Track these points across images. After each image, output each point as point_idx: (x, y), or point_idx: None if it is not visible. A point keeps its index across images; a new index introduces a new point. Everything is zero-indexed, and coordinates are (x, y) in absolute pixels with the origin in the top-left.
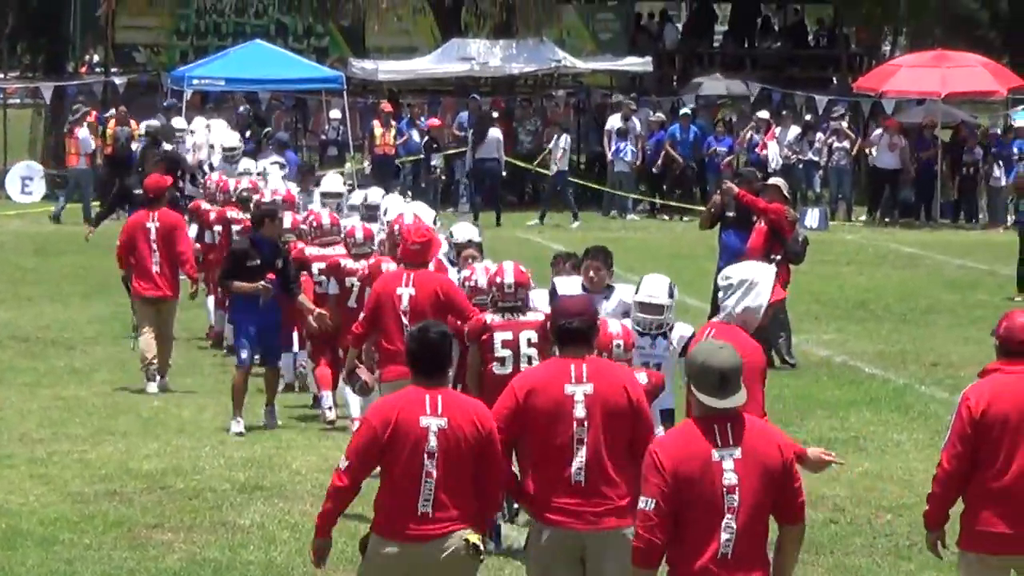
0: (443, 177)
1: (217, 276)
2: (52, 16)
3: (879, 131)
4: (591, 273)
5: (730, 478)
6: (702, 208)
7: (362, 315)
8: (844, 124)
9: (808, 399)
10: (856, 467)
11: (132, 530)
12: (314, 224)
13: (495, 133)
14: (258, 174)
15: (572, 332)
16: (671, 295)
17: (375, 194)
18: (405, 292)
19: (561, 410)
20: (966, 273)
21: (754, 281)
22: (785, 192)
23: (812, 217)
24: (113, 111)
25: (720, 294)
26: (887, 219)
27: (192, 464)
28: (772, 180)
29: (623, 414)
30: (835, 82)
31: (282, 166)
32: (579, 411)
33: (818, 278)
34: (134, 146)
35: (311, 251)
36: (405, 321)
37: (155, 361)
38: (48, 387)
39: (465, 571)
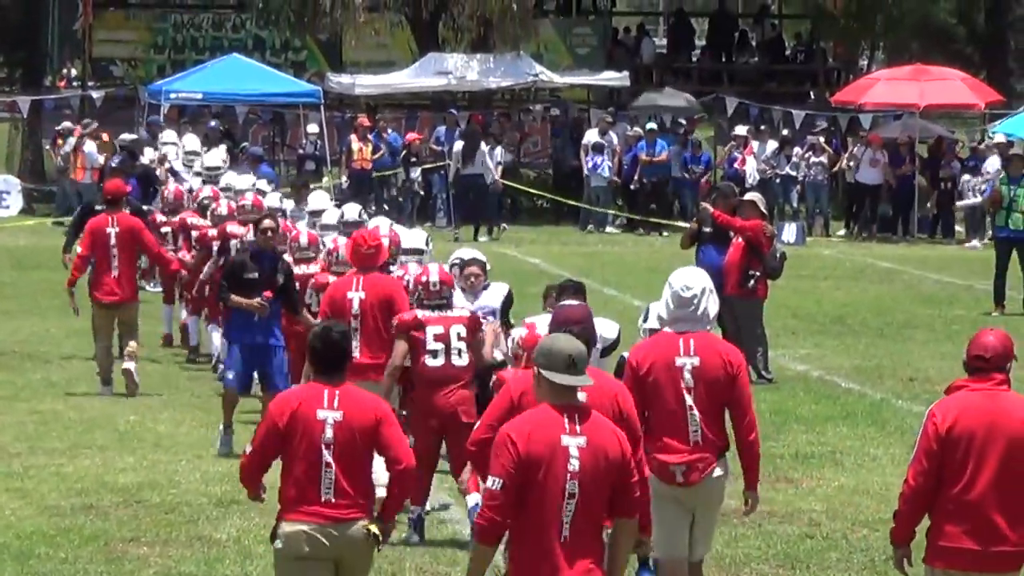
0: (421, 192)
1: (217, 291)
2: (29, 29)
3: (861, 146)
4: (471, 279)
5: (574, 464)
6: (680, 223)
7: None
8: (821, 139)
9: (785, 414)
10: (833, 482)
11: (108, 544)
12: (292, 242)
13: (484, 148)
14: (259, 191)
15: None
16: None
17: (352, 211)
18: (355, 296)
19: (556, 462)
20: (943, 288)
21: (710, 288)
22: (762, 207)
23: (789, 232)
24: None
25: (677, 308)
26: (865, 234)
27: (168, 478)
28: (749, 195)
29: (611, 420)
30: (812, 97)
31: (269, 181)
32: (572, 465)
33: (795, 293)
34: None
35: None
36: (355, 324)
37: (111, 371)
38: (25, 401)
39: (364, 554)
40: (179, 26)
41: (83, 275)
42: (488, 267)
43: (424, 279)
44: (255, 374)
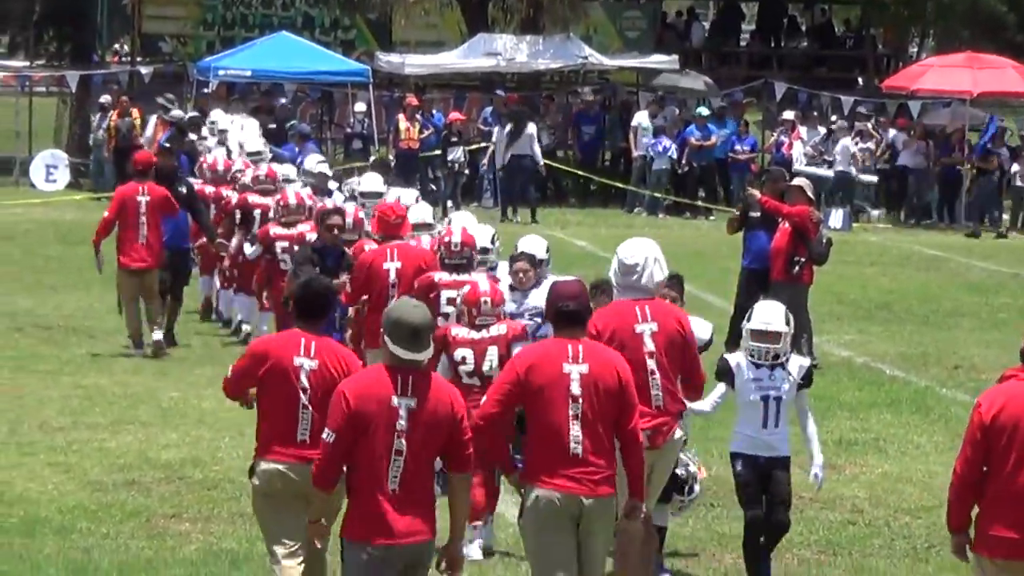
0: (466, 172)
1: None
2: (79, 5)
3: (902, 132)
4: (520, 275)
5: (402, 424)
6: (726, 208)
7: (349, 287)
8: (869, 125)
9: (829, 400)
10: (876, 469)
11: (150, 520)
12: (281, 203)
13: (531, 129)
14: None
15: (568, 314)
16: (788, 322)
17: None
18: (392, 266)
19: (558, 386)
20: (989, 276)
21: (657, 256)
22: (809, 193)
23: (836, 218)
24: (107, 98)
25: (623, 276)
26: (910, 220)
27: (211, 455)
28: (796, 180)
29: (613, 393)
30: (861, 83)
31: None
32: (575, 388)
33: (841, 279)
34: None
35: (276, 230)
36: (392, 293)
37: (141, 333)
38: (69, 375)
39: (337, 492)
40: (229, 3)
41: (106, 238)
42: (543, 258)
43: (447, 240)
44: None
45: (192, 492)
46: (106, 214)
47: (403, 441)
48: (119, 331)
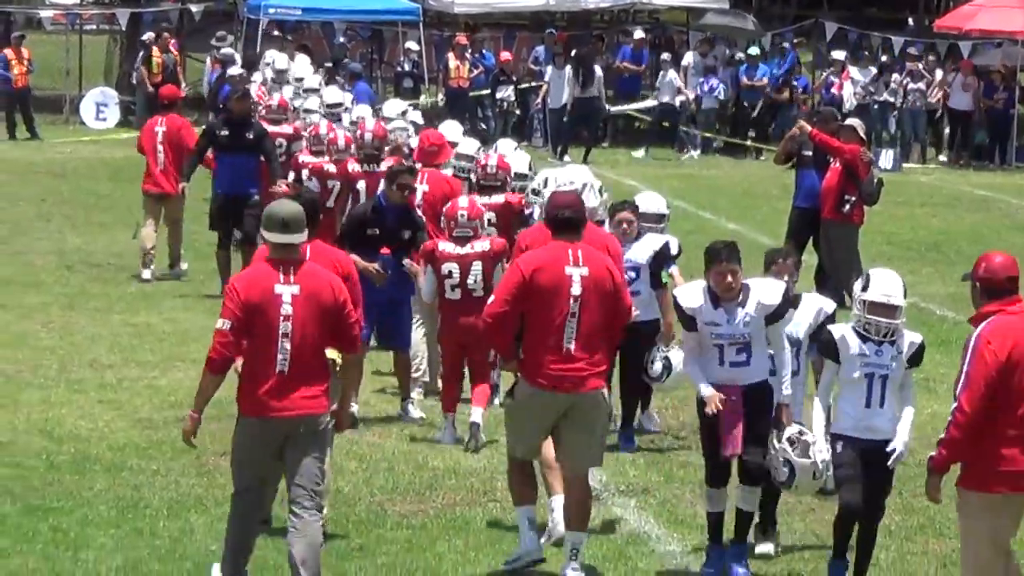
0: (516, 112)
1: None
2: None
3: (953, 73)
4: (623, 225)
5: (287, 309)
6: (775, 148)
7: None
8: (920, 65)
9: None
10: (926, 409)
11: (200, 457)
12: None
13: (599, 72)
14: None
15: (565, 221)
16: (906, 294)
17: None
18: (420, 188)
19: (561, 288)
20: None
21: (591, 182)
22: (861, 133)
23: (886, 158)
24: (150, 34)
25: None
26: (960, 161)
27: None
28: (849, 121)
29: (608, 293)
30: (911, 23)
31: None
32: (575, 289)
33: (891, 219)
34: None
35: (305, 158)
36: (419, 213)
37: (153, 252)
38: (119, 313)
39: (322, 439)
40: None
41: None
42: (664, 213)
43: (484, 163)
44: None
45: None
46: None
47: (288, 324)
48: (168, 270)
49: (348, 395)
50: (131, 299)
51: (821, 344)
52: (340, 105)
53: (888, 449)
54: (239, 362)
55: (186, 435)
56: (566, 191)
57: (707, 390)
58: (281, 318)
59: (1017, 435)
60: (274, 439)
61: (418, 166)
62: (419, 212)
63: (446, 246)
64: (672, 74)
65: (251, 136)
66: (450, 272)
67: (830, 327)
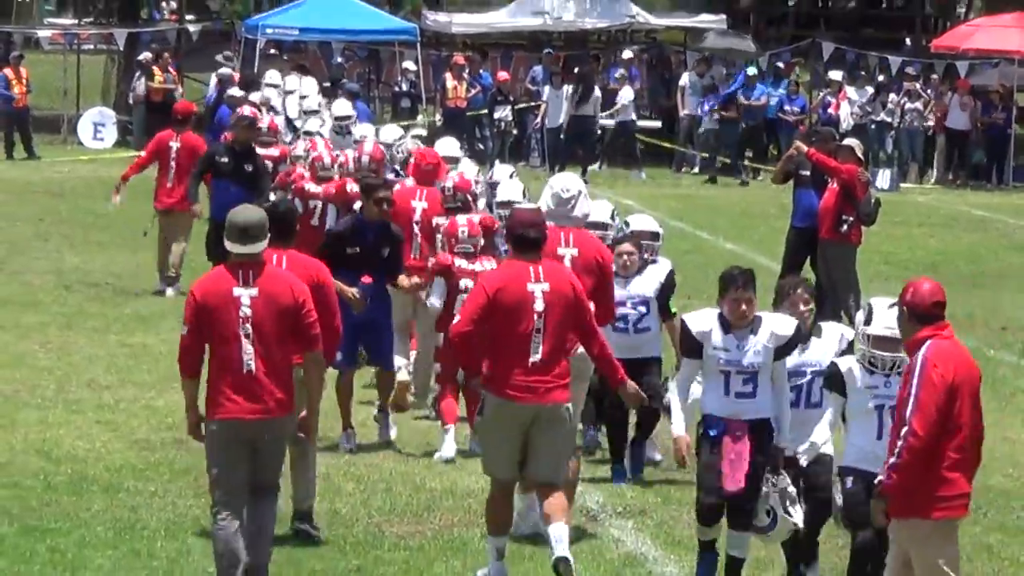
0: (513, 131)
1: None
2: None
3: (950, 93)
4: (623, 258)
5: (246, 311)
6: (773, 168)
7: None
8: (917, 85)
9: None
10: None
11: (197, 479)
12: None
13: (598, 92)
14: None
15: (528, 240)
16: None
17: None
18: (419, 205)
19: (524, 304)
20: None
21: (584, 191)
22: (859, 153)
23: (883, 178)
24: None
25: (557, 207)
26: (957, 180)
27: None
28: (847, 141)
29: (571, 306)
30: (909, 43)
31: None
32: (539, 305)
33: (888, 239)
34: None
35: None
36: (416, 230)
37: (175, 270)
38: (116, 333)
39: (284, 439)
40: None
41: (132, 175)
42: (657, 231)
43: (443, 184)
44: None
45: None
46: (142, 154)
47: (248, 326)
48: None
49: (314, 399)
50: (128, 319)
51: (827, 377)
52: (349, 118)
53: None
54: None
55: (191, 432)
56: (528, 208)
57: (678, 430)
58: (240, 320)
59: (959, 459)
60: (244, 442)
61: (401, 180)
62: (414, 228)
63: (461, 262)
64: (627, 92)
65: (250, 169)
66: (466, 287)
67: (836, 360)
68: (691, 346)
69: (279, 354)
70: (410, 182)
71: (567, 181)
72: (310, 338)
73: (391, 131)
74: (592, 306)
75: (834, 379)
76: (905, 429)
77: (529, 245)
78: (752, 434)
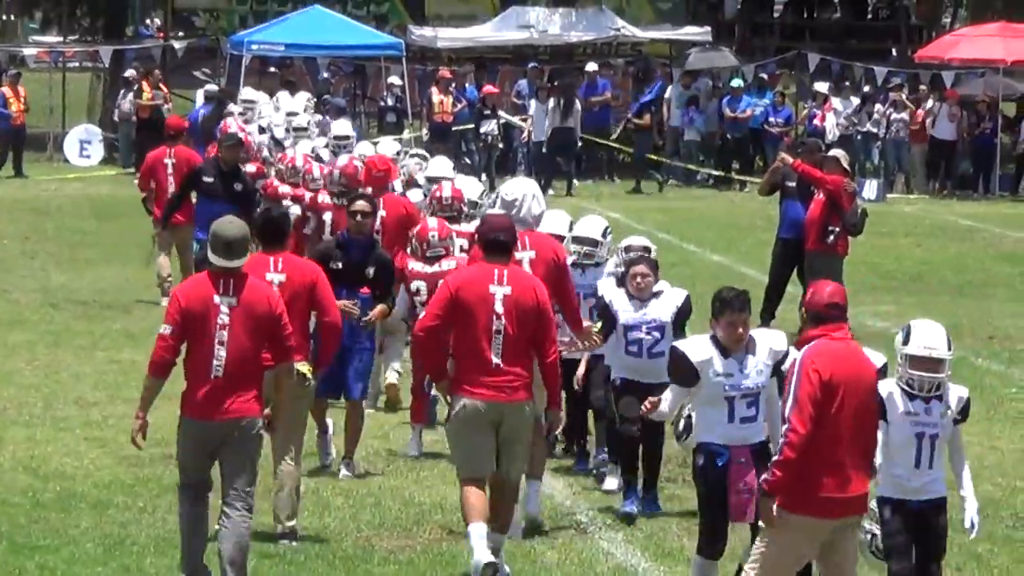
0: (500, 145)
1: None
2: None
3: (938, 103)
4: (637, 280)
5: (223, 319)
6: (759, 180)
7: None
8: (903, 95)
9: None
10: None
11: None
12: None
13: (579, 105)
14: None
15: (499, 244)
16: (951, 346)
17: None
18: (378, 214)
19: (484, 304)
20: (1023, 247)
21: (535, 192)
22: (845, 164)
23: (870, 189)
24: (132, 72)
25: (504, 211)
26: (943, 190)
27: None
28: (832, 152)
29: (531, 311)
30: (894, 54)
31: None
32: (498, 307)
33: (875, 250)
34: (165, 108)
35: (284, 189)
36: (378, 239)
37: (170, 279)
38: (104, 350)
39: (254, 442)
40: None
41: (146, 191)
42: (650, 252)
43: (439, 195)
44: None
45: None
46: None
47: (224, 333)
48: (154, 306)
49: (281, 401)
50: (116, 336)
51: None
52: (348, 138)
53: (966, 525)
54: None
55: (133, 435)
56: (499, 215)
57: (661, 404)
58: (218, 327)
59: (831, 461)
60: (210, 440)
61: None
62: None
63: (415, 265)
64: (550, 103)
65: (239, 188)
66: (418, 289)
67: (879, 383)
68: (687, 374)
69: (251, 362)
70: (416, 196)
71: (513, 185)
72: (285, 349)
73: (389, 145)
74: (559, 310)
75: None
76: (785, 426)
77: (498, 249)
78: (754, 457)
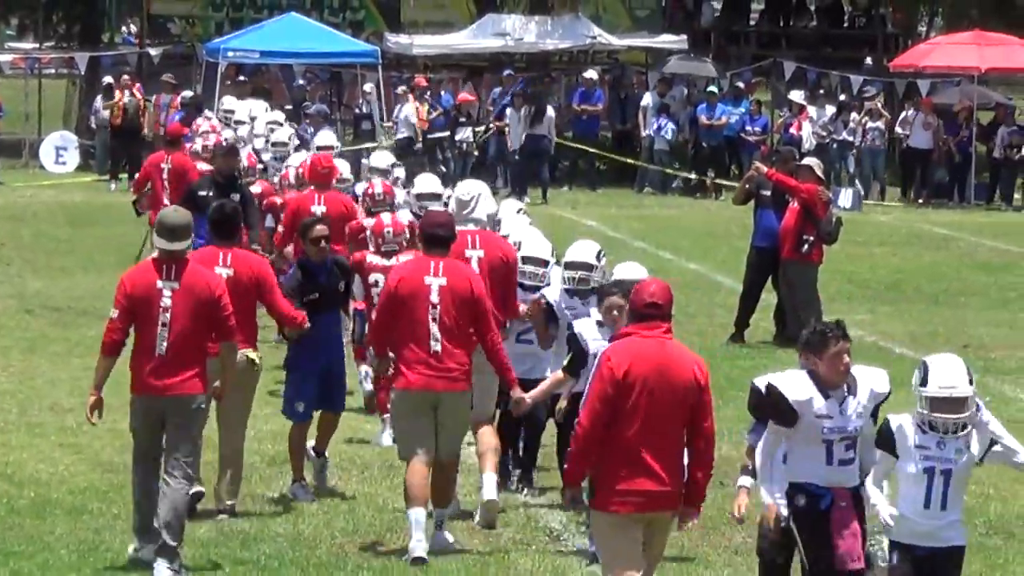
0: (475, 153)
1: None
2: None
3: (914, 111)
4: (614, 313)
5: (165, 302)
6: (735, 186)
7: (281, 227)
8: (879, 104)
9: None
10: None
11: None
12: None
13: (551, 112)
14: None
15: (439, 238)
16: (971, 379)
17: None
18: (318, 209)
19: (419, 295)
20: (998, 255)
21: (486, 193)
22: (819, 172)
23: (845, 197)
24: (109, 79)
25: (459, 210)
26: (919, 199)
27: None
28: (807, 160)
29: (466, 302)
30: (870, 62)
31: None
32: (434, 297)
33: (850, 258)
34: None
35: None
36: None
37: None
38: (79, 357)
39: (195, 417)
40: None
41: (138, 193)
42: (549, 261)
43: (370, 191)
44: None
45: (204, 473)
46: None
47: (167, 315)
48: None
49: (226, 380)
50: (91, 343)
51: (879, 434)
52: (331, 148)
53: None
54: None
55: (88, 410)
56: (440, 211)
57: (769, 498)
58: (161, 309)
59: (634, 456)
60: (155, 415)
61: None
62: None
63: (373, 258)
64: (408, 109)
65: (237, 199)
66: (376, 282)
67: (889, 416)
68: (786, 416)
69: (192, 341)
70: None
71: (468, 185)
72: (227, 329)
73: (383, 157)
74: (498, 302)
75: (884, 437)
76: (576, 420)
77: (437, 242)
78: (854, 502)
